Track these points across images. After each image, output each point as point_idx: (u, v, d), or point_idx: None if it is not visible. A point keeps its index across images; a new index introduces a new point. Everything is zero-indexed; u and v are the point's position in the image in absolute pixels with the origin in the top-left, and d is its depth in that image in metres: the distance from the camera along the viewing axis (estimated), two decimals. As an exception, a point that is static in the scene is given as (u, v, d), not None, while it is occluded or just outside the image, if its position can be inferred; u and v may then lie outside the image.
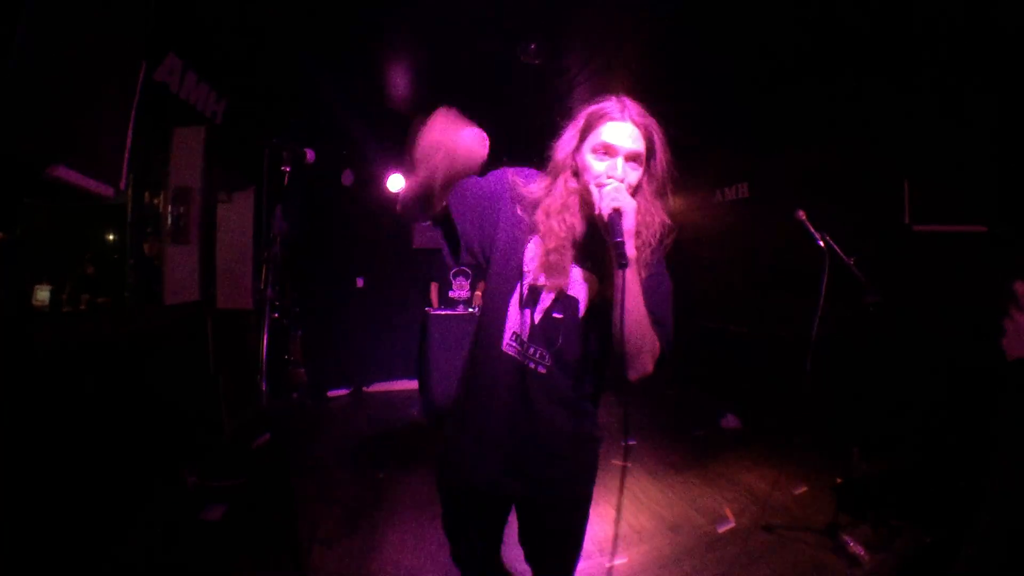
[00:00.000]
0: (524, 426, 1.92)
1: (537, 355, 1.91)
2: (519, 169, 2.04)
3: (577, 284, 1.92)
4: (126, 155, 3.15)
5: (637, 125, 1.84)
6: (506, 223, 1.97)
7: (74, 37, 2.68)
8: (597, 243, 1.86)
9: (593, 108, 1.89)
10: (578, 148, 1.90)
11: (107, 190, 2.99)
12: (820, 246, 3.80)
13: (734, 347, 6.98)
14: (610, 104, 1.87)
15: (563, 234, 1.87)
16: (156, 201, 4.84)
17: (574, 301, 1.92)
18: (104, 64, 2.96)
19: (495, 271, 1.98)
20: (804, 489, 4.59)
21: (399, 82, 6.10)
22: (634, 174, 1.84)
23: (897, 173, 4.97)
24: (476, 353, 2.04)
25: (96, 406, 3.64)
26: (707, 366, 7.41)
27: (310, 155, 2.64)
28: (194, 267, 5.14)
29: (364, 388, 8.49)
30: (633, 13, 4.50)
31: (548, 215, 1.90)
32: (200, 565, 3.60)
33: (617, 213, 1.67)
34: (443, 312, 6.84)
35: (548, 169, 1.99)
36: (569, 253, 1.89)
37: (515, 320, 1.93)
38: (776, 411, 5.86)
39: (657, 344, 1.82)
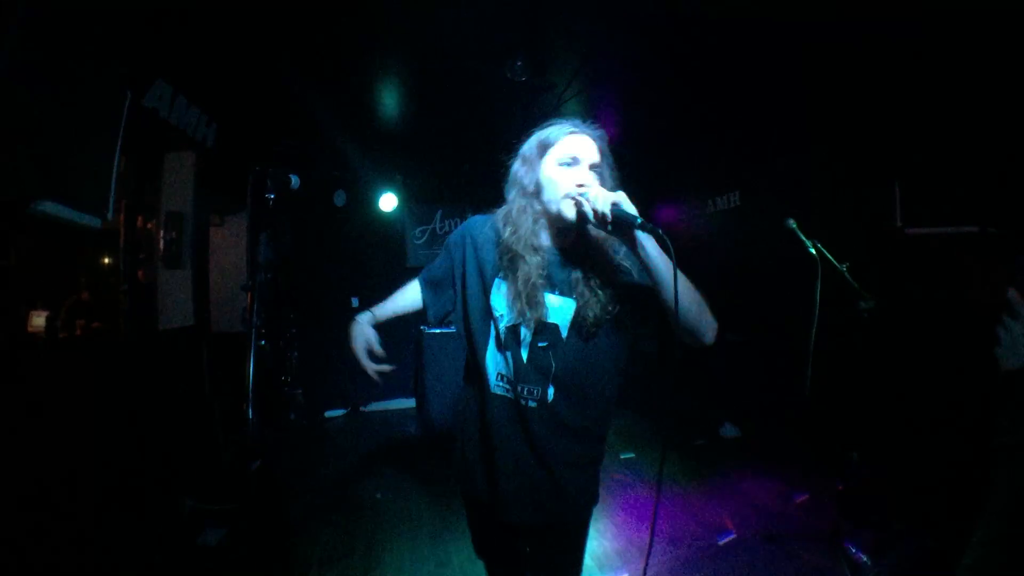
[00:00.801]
0: (528, 460, 1.96)
1: (527, 392, 1.94)
2: (478, 218, 2.17)
3: (553, 310, 1.94)
4: (112, 185, 3.16)
5: (593, 139, 1.97)
6: (471, 275, 2.07)
7: (57, 72, 2.69)
8: (570, 259, 1.98)
9: (546, 130, 2.00)
10: (536, 168, 1.97)
11: (93, 220, 3.00)
12: (812, 254, 3.81)
13: (731, 356, 6.97)
14: (563, 123, 1.99)
15: (534, 262, 1.93)
16: (149, 226, 4.84)
17: (554, 327, 1.94)
18: (87, 97, 2.99)
19: (468, 323, 2.07)
20: (805, 497, 4.57)
21: (388, 102, 6.12)
22: (597, 181, 1.90)
23: (888, 176, 4.98)
24: (468, 393, 2.13)
25: (92, 432, 3.63)
26: (704, 376, 7.39)
27: (295, 181, 2.64)
28: (188, 292, 5.14)
29: (361, 407, 8.45)
30: (619, 27, 4.52)
31: (513, 245, 1.96)
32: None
33: (616, 205, 1.70)
34: (437, 331, 6.83)
35: (508, 186, 2.07)
36: (541, 281, 1.92)
37: (497, 363, 1.98)
38: (775, 419, 5.85)
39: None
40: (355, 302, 8.57)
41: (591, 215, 1.76)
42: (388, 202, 8.23)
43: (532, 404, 1.94)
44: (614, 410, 2.08)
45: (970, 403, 3.52)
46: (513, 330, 1.95)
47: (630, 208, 1.69)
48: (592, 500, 2.08)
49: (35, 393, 3.14)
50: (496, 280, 2.00)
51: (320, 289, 8.26)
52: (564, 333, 1.94)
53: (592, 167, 1.92)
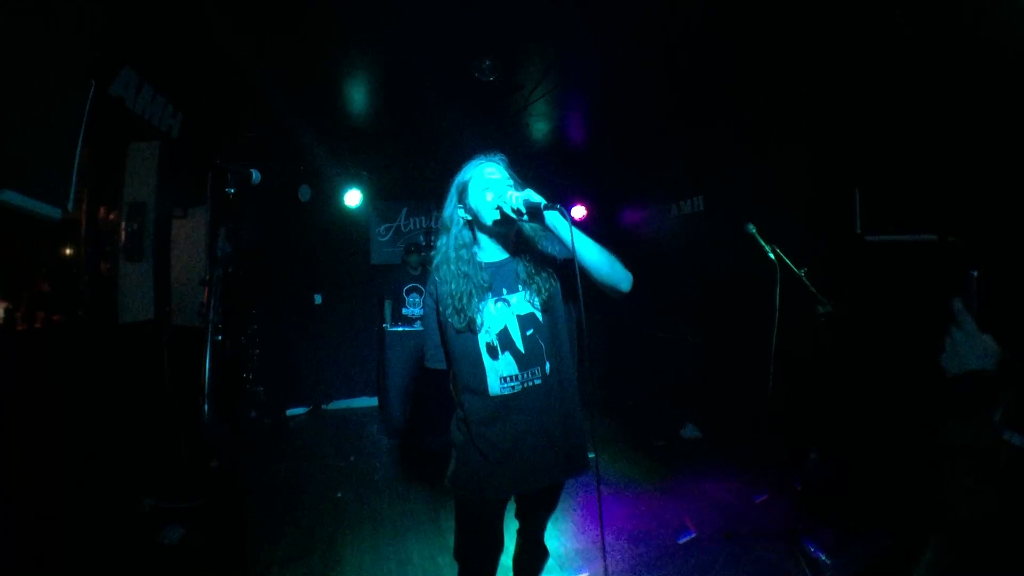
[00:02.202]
0: (527, 438, 2.32)
1: (531, 375, 2.33)
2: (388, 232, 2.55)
3: (522, 303, 2.37)
4: (73, 175, 3.10)
5: (496, 163, 2.43)
6: (447, 308, 2.36)
7: (17, 61, 2.64)
8: (518, 259, 2.41)
9: (464, 171, 2.45)
10: (464, 200, 2.40)
11: (53, 211, 2.94)
12: (771, 259, 3.89)
13: (693, 357, 7.06)
14: (475, 161, 2.45)
15: (479, 277, 2.36)
16: (111, 216, 4.74)
17: (531, 315, 2.36)
18: (49, 86, 2.93)
19: (456, 345, 2.36)
20: (765, 496, 4.64)
21: (355, 97, 6.08)
22: (506, 189, 2.27)
23: (848, 183, 5.08)
24: (464, 399, 2.37)
25: (51, 428, 3.55)
26: (666, 377, 7.48)
27: (256, 176, 2.62)
28: (149, 284, 5.04)
29: (323, 406, 8.39)
30: (587, 32, 4.56)
31: (449, 268, 2.38)
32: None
33: (526, 200, 2.14)
34: (399, 329, 6.80)
35: (443, 228, 2.49)
36: (485, 286, 2.35)
37: (497, 368, 2.31)
38: (735, 420, 5.93)
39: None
40: (318, 299, 8.50)
41: (513, 214, 2.18)
42: (353, 198, 8.17)
43: (538, 382, 2.33)
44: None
45: (919, 405, 3.61)
46: (506, 332, 2.34)
47: (536, 197, 2.13)
48: (582, 456, 2.48)
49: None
50: (466, 307, 2.35)
51: (283, 285, 8.17)
52: (540, 316, 2.36)
53: (508, 185, 2.33)
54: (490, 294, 2.35)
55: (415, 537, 4.18)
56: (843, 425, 4.67)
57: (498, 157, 2.48)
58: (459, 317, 2.31)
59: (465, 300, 2.32)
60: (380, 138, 7.31)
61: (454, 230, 2.43)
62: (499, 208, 2.25)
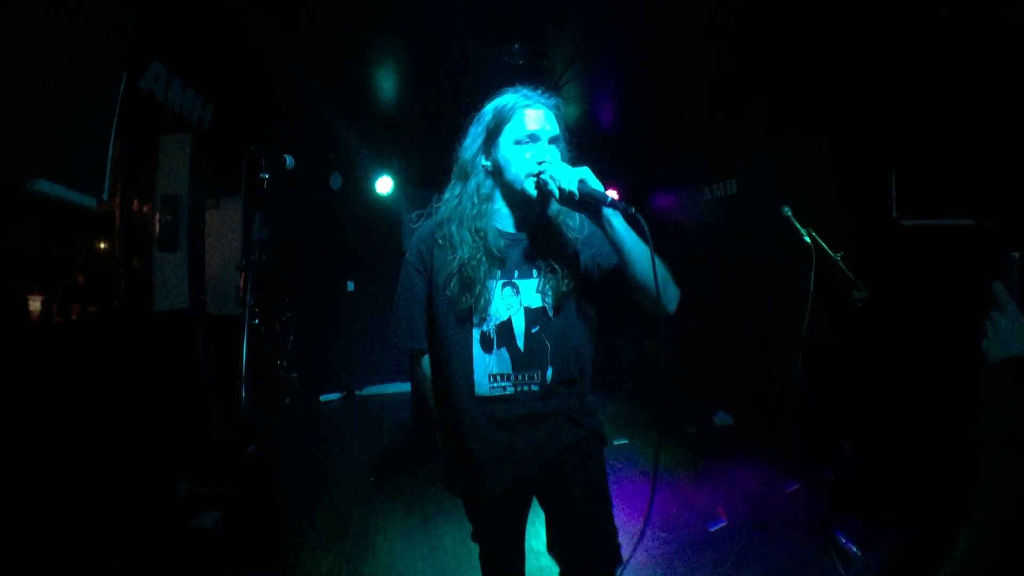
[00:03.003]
0: (524, 444, 1.94)
1: (527, 378, 1.93)
2: (422, 224, 2.09)
3: (533, 294, 1.95)
4: (108, 166, 3.15)
5: (548, 109, 1.92)
6: (440, 284, 1.94)
7: (52, 52, 2.68)
8: (535, 239, 1.97)
9: (500, 103, 1.93)
10: (492, 145, 1.93)
11: (88, 201, 2.99)
12: (806, 243, 3.82)
13: (725, 344, 6.98)
14: (517, 94, 1.91)
15: (486, 247, 1.91)
16: (145, 208, 4.82)
17: (540, 309, 1.94)
18: (83, 78, 2.97)
19: (443, 333, 1.96)
20: (797, 486, 4.59)
21: (384, 84, 6.09)
22: (557, 154, 1.87)
23: (885, 167, 4.98)
24: (451, 401, 1.97)
25: (89, 415, 3.63)
26: (698, 363, 7.41)
27: (290, 161, 2.63)
28: (183, 274, 5.13)
29: (356, 392, 8.48)
30: (618, 12, 4.50)
31: (460, 225, 1.93)
32: (192, 572, 3.61)
33: (583, 183, 1.70)
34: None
35: (456, 173, 2.04)
36: (488, 265, 1.91)
37: (487, 365, 1.92)
38: (768, 408, 5.87)
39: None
40: (351, 286, 8.57)
41: (557, 193, 1.75)
42: (384, 185, 8.20)
43: (534, 388, 1.93)
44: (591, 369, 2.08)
45: (959, 394, 3.53)
46: (506, 325, 1.93)
47: (596, 184, 1.71)
48: (599, 429, 2.06)
49: (31, 378, 3.14)
50: (467, 287, 1.93)
51: (316, 273, 8.25)
52: (551, 312, 1.94)
53: (551, 141, 1.89)
54: (500, 272, 1.92)
55: (446, 521, 4.20)
56: (877, 415, 4.60)
57: (552, 100, 1.94)
58: (464, 296, 1.88)
59: (477, 272, 1.88)
60: (410, 125, 7.30)
61: (474, 179, 1.96)
62: (539, 180, 1.80)
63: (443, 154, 2.18)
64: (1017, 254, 1.38)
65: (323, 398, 8.17)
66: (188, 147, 5.13)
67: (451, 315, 1.92)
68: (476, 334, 1.92)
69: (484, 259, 1.89)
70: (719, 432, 6.27)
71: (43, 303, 4.20)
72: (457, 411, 1.95)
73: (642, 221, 1.65)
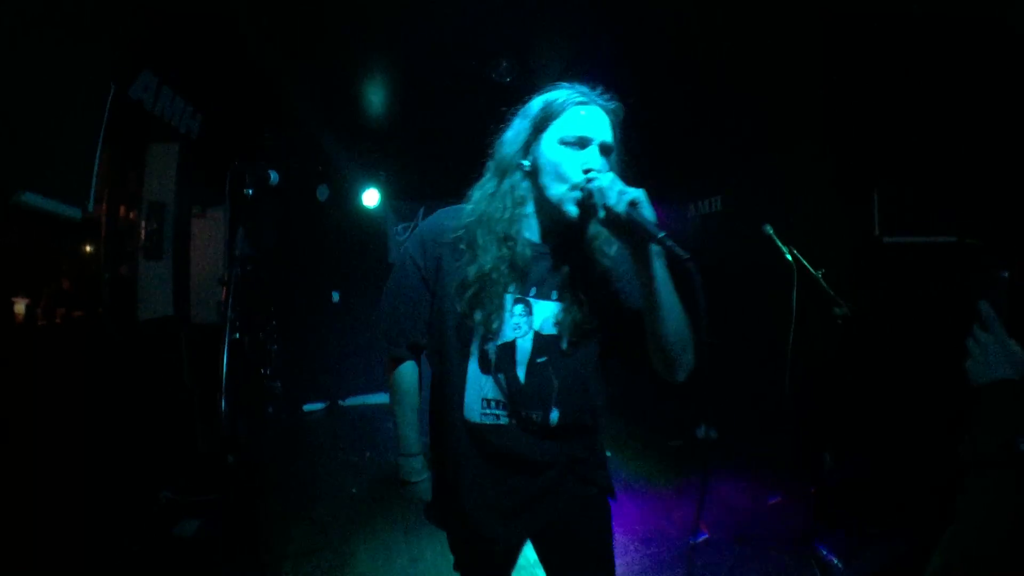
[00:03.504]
0: (520, 495, 1.73)
1: (526, 417, 1.68)
2: (437, 214, 1.82)
3: (548, 318, 1.68)
4: (94, 177, 3.16)
5: (606, 112, 1.65)
6: (447, 283, 1.71)
7: (40, 63, 2.69)
8: (559, 257, 1.69)
9: (550, 96, 1.66)
10: (535, 142, 1.65)
11: (74, 211, 3.01)
12: (788, 260, 3.87)
13: (710, 358, 7.01)
14: (572, 90, 1.65)
15: (510, 257, 1.65)
16: (131, 215, 4.82)
17: (554, 338, 1.68)
18: (71, 89, 2.99)
19: (443, 340, 1.74)
20: (779, 498, 4.62)
21: (372, 97, 6.12)
22: (607, 166, 1.62)
23: (867, 184, 5.04)
24: (445, 424, 1.77)
25: (72, 420, 3.62)
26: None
27: (274, 177, 2.65)
28: (168, 283, 5.13)
29: (340, 402, 8.45)
30: (603, 31, 4.56)
31: (488, 230, 1.67)
32: (173, 581, 3.59)
33: (634, 206, 1.40)
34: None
35: (491, 168, 1.76)
36: (528, 281, 1.67)
37: (482, 386, 1.69)
38: (752, 421, 5.90)
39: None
40: (336, 297, 8.56)
41: (602, 212, 1.46)
42: (371, 198, 8.23)
43: (532, 429, 1.69)
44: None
45: (941, 413, 3.57)
46: (508, 348, 1.67)
47: (650, 213, 1.40)
48: (609, 484, 1.84)
49: (13, 381, 3.14)
50: (476, 297, 1.68)
51: (301, 283, 8.24)
52: (565, 344, 1.67)
53: (603, 149, 1.62)
54: (515, 286, 1.66)
55: (427, 533, 4.18)
56: (858, 429, 4.64)
57: (612, 103, 1.67)
58: (476, 311, 1.64)
59: (496, 286, 1.63)
60: (397, 138, 7.34)
61: (510, 179, 1.68)
62: (585, 194, 1.52)
63: (429, 169, 2.11)
64: (1007, 274, 1.34)
65: (306, 407, 8.14)
66: (176, 156, 5.14)
67: (453, 325, 1.70)
68: (475, 350, 1.68)
69: (506, 271, 1.64)
70: (703, 445, 6.28)
71: (27, 307, 4.18)
72: (448, 437, 1.75)
73: (694, 274, 1.29)
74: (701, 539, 4.10)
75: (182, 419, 5.06)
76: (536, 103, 1.69)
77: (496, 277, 1.63)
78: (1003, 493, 1.22)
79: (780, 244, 3.92)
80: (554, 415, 1.68)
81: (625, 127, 1.72)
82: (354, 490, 5.09)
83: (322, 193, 8.13)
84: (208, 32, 4.43)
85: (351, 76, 5.52)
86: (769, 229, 3.93)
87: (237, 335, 2.37)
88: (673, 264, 1.40)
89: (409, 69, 5.32)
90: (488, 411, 1.68)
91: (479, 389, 1.68)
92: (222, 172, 5.96)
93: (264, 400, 7.14)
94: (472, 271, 1.65)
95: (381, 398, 8.51)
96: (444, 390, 1.74)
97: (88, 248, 5.11)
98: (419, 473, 1.89)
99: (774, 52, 4.80)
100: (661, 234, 1.34)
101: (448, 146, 7.50)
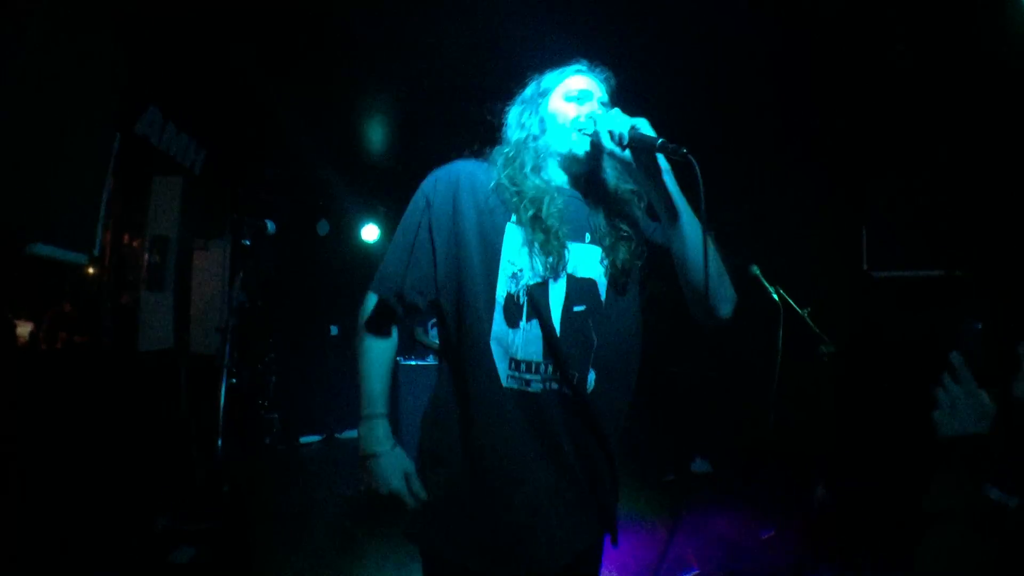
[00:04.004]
0: (555, 481, 1.52)
1: (562, 378, 1.49)
2: (462, 162, 1.75)
3: (584, 261, 1.57)
4: (99, 224, 3.25)
5: (600, 80, 1.72)
6: (467, 227, 1.58)
7: (48, 118, 2.79)
8: (588, 202, 1.66)
9: (545, 77, 1.73)
10: (541, 104, 1.69)
11: (80, 258, 3.09)
12: (775, 300, 3.94)
13: (704, 391, 7.05)
14: (575, 62, 1.72)
15: (547, 199, 1.55)
16: (135, 244, 4.91)
17: (591, 283, 1.56)
18: (78, 140, 3.09)
19: (463, 292, 1.55)
20: (771, 532, 4.63)
21: (373, 136, 6.24)
22: (607, 109, 1.63)
23: (855, 220, 5.12)
24: (449, 402, 1.60)
25: (70, 448, 3.66)
26: (677, 410, 7.45)
27: (271, 227, 2.74)
28: (168, 315, 5.20)
29: (336, 435, 8.44)
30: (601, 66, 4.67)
31: (520, 183, 1.58)
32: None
33: (635, 128, 1.43)
34: (413, 362, 6.76)
35: (505, 132, 1.76)
36: (557, 222, 1.54)
37: (509, 343, 1.50)
38: (746, 454, 5.92)
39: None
40: (334, 330, 8.59)
41: (607, 137, 1.46)
42: (371, 233, 8.33)
43: (568, 392, 1.49)
44: None
45: (910, 459, 3.61)
46: (540, 288, 1.51)
47: (649, 129, 1.42)
48: (613, 528, 1.68)
49: (13, 404, 3.19)
50: (508, 226, 1.56)
51: (300, 315, 8.28)
52: (603, 294, 1.57)
53: (602, 104, 1.66)
54: (568, 235, 1.56)
55: (418, 568, 4.19)
56: (847, 462, 4.67)
57: (603, 73, 1.72)
58: (510, 248, 1.52)
59: (528, 225, 1.52)
60: (397, 174, 7.45)
61: (524, 144, 1.66)
62: (588, 132, 1.54)
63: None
64: (980, 325, 1.32)
65: (303, 440, 8.12)
66: (179, 190, 5.25)
67: (473, 272, 1.53)
68: (500, 297, 1.51)
69: (540, 211, 1.53)
70: (697, 479, 6.30)
71: (30, 333, 4.23)
72: (463, 404, 1.55)
73: (695, 164, 1.33)
74: (692, 574, 4.10)
75: (179, 448, 5.10)
76: (534, 84, 1.74)
77: (527, 212, 1.53)
78: (962, 550, 1.22)
79: (767, 284, 3.99)
80: (591, 378, 1.52)
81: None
82: (348, 523, 5.10)
83: (322, 228, 8.23)
84: (211, 70, 4.56)
85: (351, 112, 5.64)
86: (756, 270, 4.00)
87: (234, 380, 2.45)
88: (675, 159, 1.40)
89: (408, 106, 5.44)
90: (514, 376, 1.48)
91: (505, 347, 1.49)
92: (223, 207, 6.11)
93: (261, 431, 7.16)
94: (507, 205, 1.57)
95: (378, 432, 8.50)
96: (463, 356, 1.53)
97: (90, 270, 5.17)
98: (383, 442, 1.64)
99: (763, 90, 4.91)
100: (660, 140, 1.38)
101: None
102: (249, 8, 4.04)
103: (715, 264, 1.47)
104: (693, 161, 1.33)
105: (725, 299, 1.53)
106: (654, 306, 1.67)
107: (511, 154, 1.64)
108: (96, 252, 3.41)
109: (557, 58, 1.76)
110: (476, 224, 1.57)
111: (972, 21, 3.75)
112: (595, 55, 1.77)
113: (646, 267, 1.66)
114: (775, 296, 3.95)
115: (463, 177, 1.65)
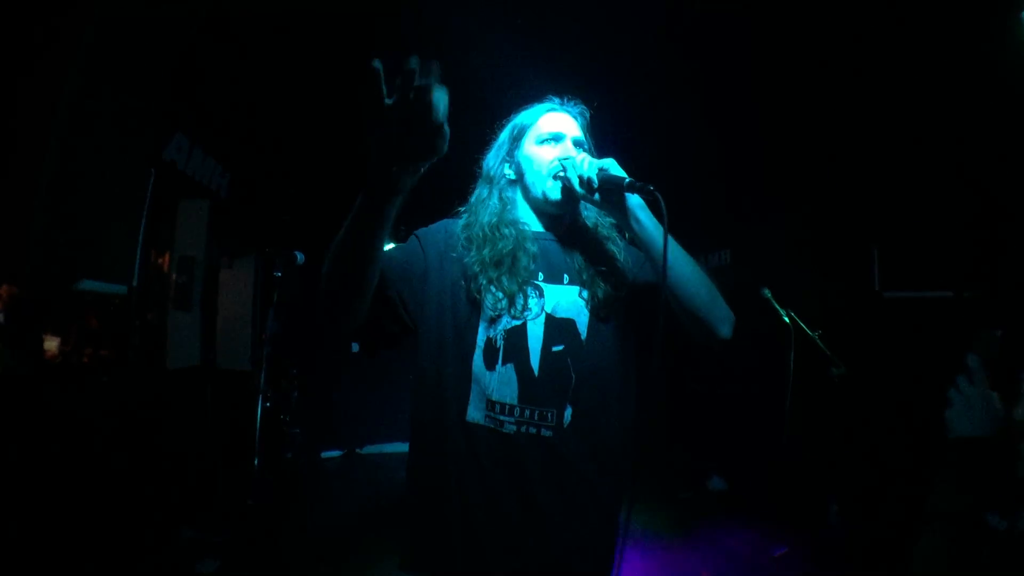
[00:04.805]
0: (524, 523, 1.48)
1: (537, 417, 1.49)
2: (435, 224, 1.77)
3: (563, 302, 1.59)
4: (138, 257, 3.40)
5: (573, 116, 1.74)
6: (448, 268, 1.63)
7: (92, 172, 2.95)
8: (566, 245, 1.69)
9: (524, 110, 1.77)
10: (515, 150, 1.73)
11: (121, 289, 3.24)
12: (786, 323, 3.99)
13: (722, 409, 7.06)
14: (541, 102, 1.75)
15: (512, 236, 1.61)
16: (161, 261, 5.06)
17: (570, 323, 1.57)
18: (116, 181, 3.24)
19: (441, 330, 1.57)
20: (785, 550, 4.64)
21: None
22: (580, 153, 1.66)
23: (867, 240, 5.14)
24: (426, 437, 1.58)
25: (99, 461, 3.79)
26: (695, 428, 7.47)
27: (300, 258, 2.84)
28: (195, 333, 5.35)
29: (358, 450, 8.53)
30: (612, 88, 4.72)
31: (493, 227, 1.63)
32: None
33: (603, 170, 1.48)
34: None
35: (480, 181, 1.78)
36: (528, 262, 1.59)
37: (486, 383, 1.50)
38: (761, 473, 5.92)
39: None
40: (355, 347, 8.70)
41: (577, 183, 1.51)
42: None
43: (545, 433, 1.48)
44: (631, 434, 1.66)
45: (921, 478, 3.62)
46: (518, 332, 1.53)
47: (618, 170, 1.47)
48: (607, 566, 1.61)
49: (44, 417, 3.31)
50: (482, 275, 1.56)
51: (322, 332, 8.41)
52: (584, 331, 1.57)
53: (576, 144, 1.68)
54: (523, 270, 1.57)
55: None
56: (859, 482, 4.68)
57: (577, 107, 1.75)
58: (486, 292, 1.53)
59: (502, 268, 1.54)
60: (417, 194, 7.56)
61: (498, 188, 1.72)
62: (560, 176, 1.58)
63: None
64: (999, 332, 1.38)
65: (324, 455, 8.22)
66: (206, 212, 5.41)
67: (453, 315, 1.57)
68: (480, 340, 1.53)
69: (516, 256, 1.57)
70: (714, 496, 6.30)
71: (59, 346, 4.35)
72: (428, 447, 1.57)
73: (660, 200, 1.38)
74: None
75: (205, 462, 5.22)
76: (511, 119, 1.78)
77: (504, 259, 1.55)
78: (958, 554, 1.23)
79: (778, 307, 4.04)
80: (567, 415, 1.51)
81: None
82: (369, 536, 5.18)
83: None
84: (236, 98, 4.71)
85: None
86: (767, 292, 4.05)
87: (268, 404, 2.54)
88: (644, 196, 1.45)
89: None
90: (491, 416, 1.49)
91: (482, 389, 1.51)
92: (249, 227, 6.26)
93: (283, 445, 7.27)
94: (484, 254, 1.57)
95: (400, 447, 8.54)
96: (438, 394, 1.53)
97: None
98: None
99: (773, 111, 4.96)
100: (628, 180, 1.42)
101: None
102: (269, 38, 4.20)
103: (705, 287, 1.49)
104: (659, 197, 1.38)
105: (722, 320, 1.52)
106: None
107: (488, 202, 1.70)
108: (135, 283, 3.56)
109: (532, 93, 1.80)
110: (460, 269, 1.60)
111: (986, 38, 3.79)
112: (598, 80, 1.82)
113: (633, 301, 1.64)
114: (786, 319, 3.99)
115: (448, 227, 1.71)
